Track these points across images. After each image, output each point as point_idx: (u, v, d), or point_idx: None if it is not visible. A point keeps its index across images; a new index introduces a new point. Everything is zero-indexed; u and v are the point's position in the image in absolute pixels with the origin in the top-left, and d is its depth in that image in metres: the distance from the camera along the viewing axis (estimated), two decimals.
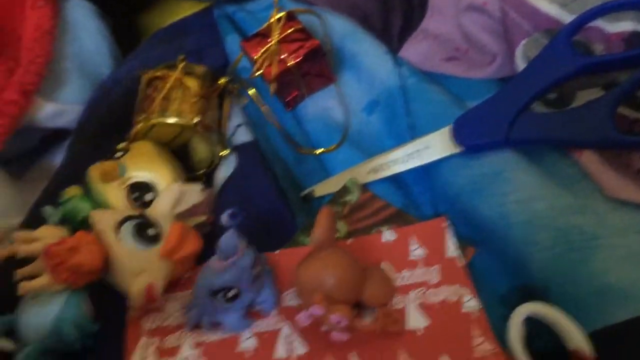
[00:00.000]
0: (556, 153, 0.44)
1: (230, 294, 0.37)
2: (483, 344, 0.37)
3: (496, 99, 0.44)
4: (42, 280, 0.37)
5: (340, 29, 0.54)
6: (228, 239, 0.36)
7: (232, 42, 0.57)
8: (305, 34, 0.48)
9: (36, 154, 0.57)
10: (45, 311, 0.38)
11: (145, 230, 0.40)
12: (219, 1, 0.62)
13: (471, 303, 0.39)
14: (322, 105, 0.52)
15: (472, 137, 0.44)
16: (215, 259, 0.37)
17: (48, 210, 0.43)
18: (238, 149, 0.48)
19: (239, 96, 0.52)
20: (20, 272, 0.38)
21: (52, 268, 0.37)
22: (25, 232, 0.40)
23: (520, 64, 0.47)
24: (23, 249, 0.38)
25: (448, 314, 0.38)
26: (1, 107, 0.49)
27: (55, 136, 0.55)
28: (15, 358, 0.37)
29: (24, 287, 0.37)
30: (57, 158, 0.54)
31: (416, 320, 0.38)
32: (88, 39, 0.59)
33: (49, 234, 0.39)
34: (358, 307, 0.39)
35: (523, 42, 0.47)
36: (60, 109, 0.53)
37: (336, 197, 0.45)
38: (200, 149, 0.49)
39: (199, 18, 0.64)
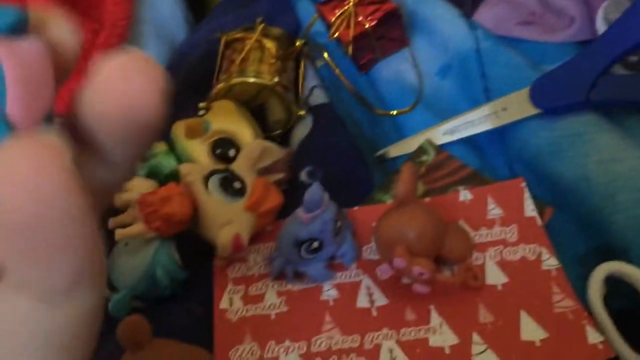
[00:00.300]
0: (637, 115, 0.43)
1: (314, 245, 0.38)
2: (563, 301, 0.37)
3: (576, 61, 0.44)
4: (136, 228, 0.39)
5: None
6: (313, 193, 0.37)
7: (304, 8, 0.58)
8: None
9: None
10: (139, 257, 0.40)
11: (230, 184, 0.41)
12: None
13: (550, 261, 0.39)
14: (395, 69, 0.52)
15: (552, 98, 0.44)
16: (300, 211, 0.38)
17: None
18: (314, 110, 0.49)
19: (313, 59, 0.53)
20: (115, 221, 0.40)
21: (146, 216, 0.39)
22: None
23: (601, 27, 0.47)
24: (118, 199, 0.40)
25: (527, 271, 0.39)
26: (88, 67, 0.51)
27: None
28: (109, 303, 0.40)
29: (120, 233, 0.39)
30: None
31: (495, 277, 0.39)
32: (164, 4, 0.61)
33: (140, 186, 0.41)
34: (437, 262, 0.39)
35: (604, 4, 0.47)
36: None
37: (412, 157, 0.46)
38: (276, 110, 0.50)
39: None
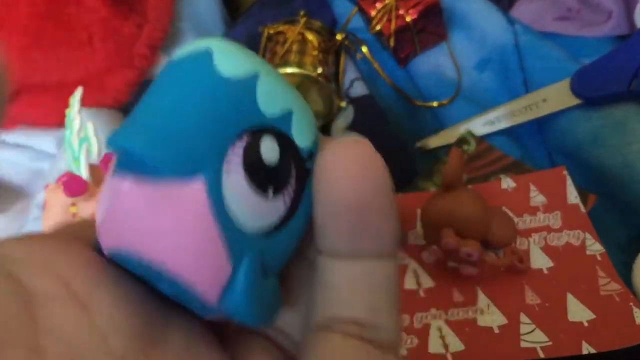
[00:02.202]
0: None
1: None
2: (609, 284, 0.37)
3: (618, 53, 0.44)
4: None
5: None
6: None
7: (341, 4, 0.59)
8: None
9: None
10: None
11: None
12: None
13: (595, 247, 0.39)
14: (434, 62, 0.53)
15: (593, 89, 0.44)
16: None
17: None
18: (355, 102, 0.50)
19: (352, 53, 0.54)
20: None
21: None
22: None
23: None
24: None
25: (572, 256, 0.39)
26: (132, 59, 0.52)
27: None
28: None
29: None
30: None
31: (540, 261, 0.39)
32: (202, 2, 0.62)
33: None
34: (483, 246, 0.40)
35: None
36: None
37: (454, 147, 0.47)
38: (317, 102, 0.51)
39: None
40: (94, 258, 0.15)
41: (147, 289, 0.15)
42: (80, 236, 0.16)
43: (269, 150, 0.15)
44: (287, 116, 0.15)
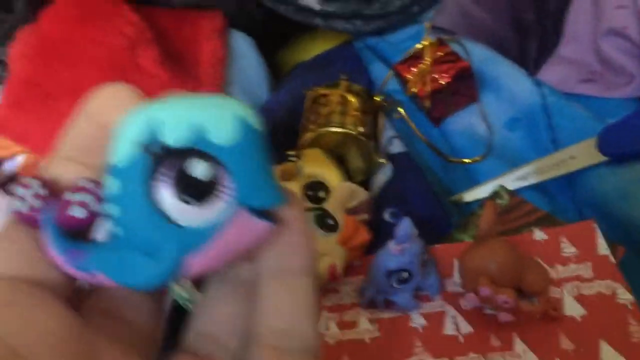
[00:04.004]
0: None
1: (403, 275, 0.42)
2: None
3: None
4: None
5: (479, 54, 0.60)
6: (404, 227, 0.41)
7: (377, 69, 0.64)
8: (454, 56, 0.54)
9: None
10: None
11: (324, 221, 0.45)
12: (361, 34, 0.69)
13: (625, 296, 0.42)
14: (467, 122, 0.57)
15: (619, 146, 0.47)
16: (391, 244, 0.42)
17: None
18: (393, 158, 0.54)
19: (390, 113, 0.58)
20: None
21: None
22: None
23: None
24: None
25: (603, 304, 0.41)
26: None
27: None
28: None
29: None
30: None
31: (573, 309, 0.42)
32: (250, 68, 0.67)
33: None
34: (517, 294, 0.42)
35: None
36: None
37: (488, 200, 0.50)
38: (356, 159, 0.55)
39: (340, 50, 0.71)
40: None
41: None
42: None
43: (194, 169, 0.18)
44: (200, 132, 0.17)
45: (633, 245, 0.45)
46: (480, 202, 0.51)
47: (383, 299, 0.43)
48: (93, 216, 0.19)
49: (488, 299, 0.40)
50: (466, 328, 0.42)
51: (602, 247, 0.44)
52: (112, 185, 0.18)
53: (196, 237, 0.18)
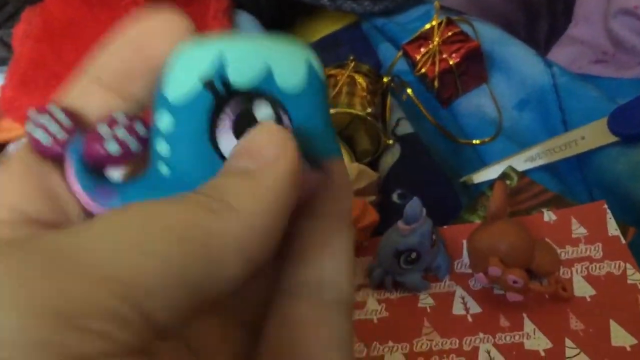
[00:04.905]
0: None
1: (412, 256, 0.42)
2: None
3: None
4: None
5: (489, 35, 0.59)
6: (413, 207, 0.41)
7: (385, 50, 0.63)
8: (464, 36, 0.53)
9: None
10: None
11: None
12: (369, 15, 0.69)
13: (635, 276, 0.41)
14: (475, 103, 0.56)
15: (629, 127, 0.47)
16: (400, 223, 0.42)
17: None
18: (401, 139, 0.54)
19: (398, 94, 0.58)
20: None
21: None
22: None
23: None
24: None
25: (613, 285, 0.41)
26: None
27: None
28: None
29: None
30: None
31: (583, 289, 0.41)
32: None
33: None
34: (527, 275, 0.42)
35: None
36: None
37: (498, 180, 0.49)
38: (363, 141, 0.54)
39: (348, 31, 0.71)
40: None
41: None
42: None
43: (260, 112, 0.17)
44: (267, 74, 0.16)
45: None
46: (489, 183, 0.50)
47: (391, 280, 0.43)
48: (127, 153, 0.17)
49: (498, 279, 0.40)
50: (475, 308, 0.42)
51: (612, 227, 0.44)
52: (163, 121, 0.17)
53: None
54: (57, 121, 0.17)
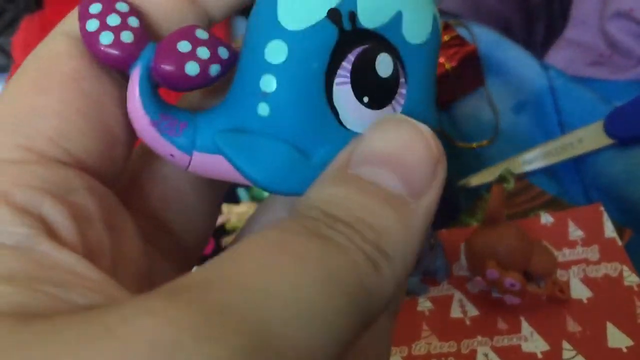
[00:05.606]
0: None
1: None
2: None
3: None
4: None
5: (486, 38, 0.59)
6: None
7: None
8: (460, 40, 0.54)
9: None
10: None
11: None
12: None
13: (632, 278, 0.42)
14: (473, 106, 0.57)
15: (626, 129, 0.47)
16: None
17: (240, 191, 0.50)
18: None
19: None
20: (225, 241, 0.45)
21: None
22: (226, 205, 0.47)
23: None
24: (227, 223, 0.45)
25: (610, 287, 0.42)
26: None
27: None
28: None
29: None
30: None
31: (580, 292, 0.42)
32: None
33: (248, 210, 0.46)
34: (524, 278, 0.42)
35: None
36: None
37: (495, 184, 0.50)
38: None
39: None
40: None
41: None
42: None
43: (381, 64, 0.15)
44: (396, 19, 0.15)
45: (639, 229, 0.45)
46: (487, 186, 0.51)
47: None
48: (206, 78, 0.14)
49: (495, 282, 0.40)
50: (473, 311, 0.42)
51: (609, 230, 0.44)
52: (275, 51, 0.14)
53: None
54: (122, 18, 0.14)
